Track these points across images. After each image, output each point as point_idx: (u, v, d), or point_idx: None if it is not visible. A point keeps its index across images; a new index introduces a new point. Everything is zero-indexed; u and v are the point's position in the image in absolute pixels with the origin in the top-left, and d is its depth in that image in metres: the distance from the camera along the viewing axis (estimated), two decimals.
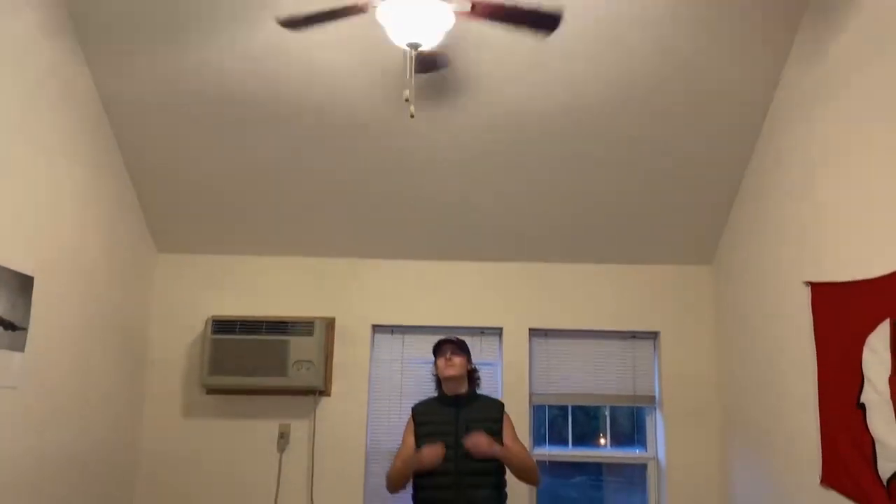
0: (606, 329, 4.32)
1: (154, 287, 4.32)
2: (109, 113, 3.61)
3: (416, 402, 3.59)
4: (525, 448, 3.48)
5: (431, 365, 3.56)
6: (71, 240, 3.37)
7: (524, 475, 3.35)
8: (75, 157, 3.37)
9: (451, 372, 3.39)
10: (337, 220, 4.17)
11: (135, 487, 4.11)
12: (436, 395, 3.56)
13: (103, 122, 3.60)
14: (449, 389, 3.44)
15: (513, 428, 3.44)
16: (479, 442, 3.15)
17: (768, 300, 3.54)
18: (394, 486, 3.29)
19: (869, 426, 2.61)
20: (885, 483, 2.51)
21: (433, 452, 3.15)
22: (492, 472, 3.29)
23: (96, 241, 3.60)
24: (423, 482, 3.28)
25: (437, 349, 3.51)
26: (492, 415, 3.43)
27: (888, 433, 2.49)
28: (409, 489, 3.39)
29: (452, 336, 3.57)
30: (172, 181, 3.96)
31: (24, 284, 3.00)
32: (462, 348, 3.48)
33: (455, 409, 3.39)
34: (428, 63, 2.98)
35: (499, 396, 4.23)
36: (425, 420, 3.39)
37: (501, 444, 3.29)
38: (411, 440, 3.35)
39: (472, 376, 3.53)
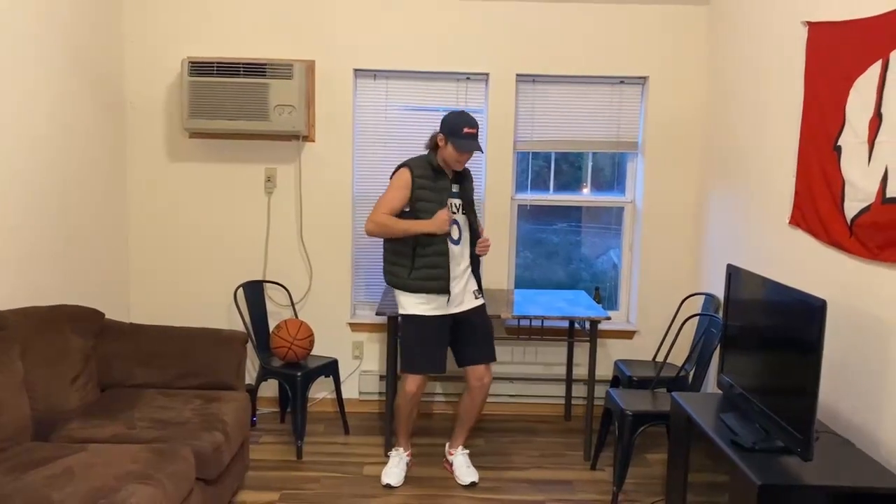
0: (595, 74, 4.23)
1: (123, 24, 4.11)
2: None
3: (408, 159, 3.39)
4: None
5: (440, 135, 3.29)
6: None
7: None
8: None
9: (460, 168, 3.36)
10: None
11: (129, 230, 4.25)
12: (425, 154, 3.40)
13: None
14: (446, 168, 3.37)
15: None
16: (487, 248, 3.45)
17: (763, 41, 3.44)
18: (381, 235, 3.33)
19: (842, 168, 2.67)
20: (849, 222, 2.62)
21: (444, 220, 3.27)
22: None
23: None
24: (427, 260, 3.33)
25: (461, 135, 3.24)
26: (472, 184, 3.50)
27: (859, 175, 2.56)
28: (383, 264, 3.43)
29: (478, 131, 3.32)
30: None
31: None
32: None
33: (449, 183, 3.38)
34: None
35: (483, 144, 4.26)
36: (423, 185, 3.31)
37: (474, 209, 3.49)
38: (404, 195, 3.31)
39: None
